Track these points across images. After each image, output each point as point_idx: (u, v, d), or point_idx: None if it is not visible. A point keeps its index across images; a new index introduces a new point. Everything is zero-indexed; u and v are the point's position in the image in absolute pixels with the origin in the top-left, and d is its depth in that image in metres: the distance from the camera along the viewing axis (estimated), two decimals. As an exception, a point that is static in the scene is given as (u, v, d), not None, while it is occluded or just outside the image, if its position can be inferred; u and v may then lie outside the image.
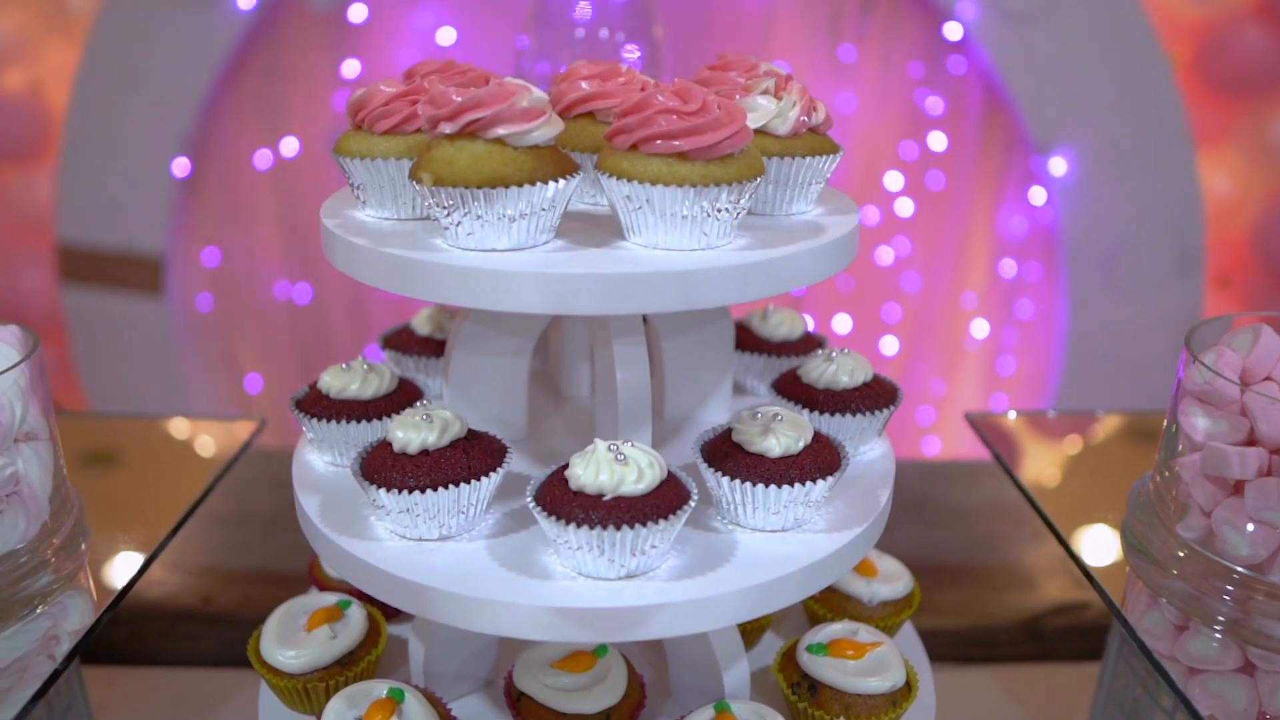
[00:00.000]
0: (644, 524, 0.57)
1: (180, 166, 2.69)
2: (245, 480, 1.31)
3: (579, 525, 0.57)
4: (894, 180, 2.63)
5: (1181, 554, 0.74)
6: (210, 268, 2.66)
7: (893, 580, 0.82)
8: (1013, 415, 1.03)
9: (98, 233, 2.65)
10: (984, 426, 0.97)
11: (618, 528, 0.57)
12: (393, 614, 0.83)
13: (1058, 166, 2.56)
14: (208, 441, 0.93)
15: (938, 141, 2.60)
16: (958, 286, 2.71)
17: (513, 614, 0.58)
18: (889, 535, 1.12)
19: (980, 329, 2.68)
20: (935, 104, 2.60)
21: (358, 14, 2.65)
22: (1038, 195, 2.60)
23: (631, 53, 1.06)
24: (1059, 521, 0.87)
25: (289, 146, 2.73)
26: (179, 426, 1.07)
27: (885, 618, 0.80)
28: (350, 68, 2.65)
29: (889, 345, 2.74)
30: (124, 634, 1.06)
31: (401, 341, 0.83)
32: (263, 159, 2.74)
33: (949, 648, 1.08)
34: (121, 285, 2.72)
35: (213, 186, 2.78)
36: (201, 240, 2.66)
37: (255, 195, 2.78)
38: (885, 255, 2.71)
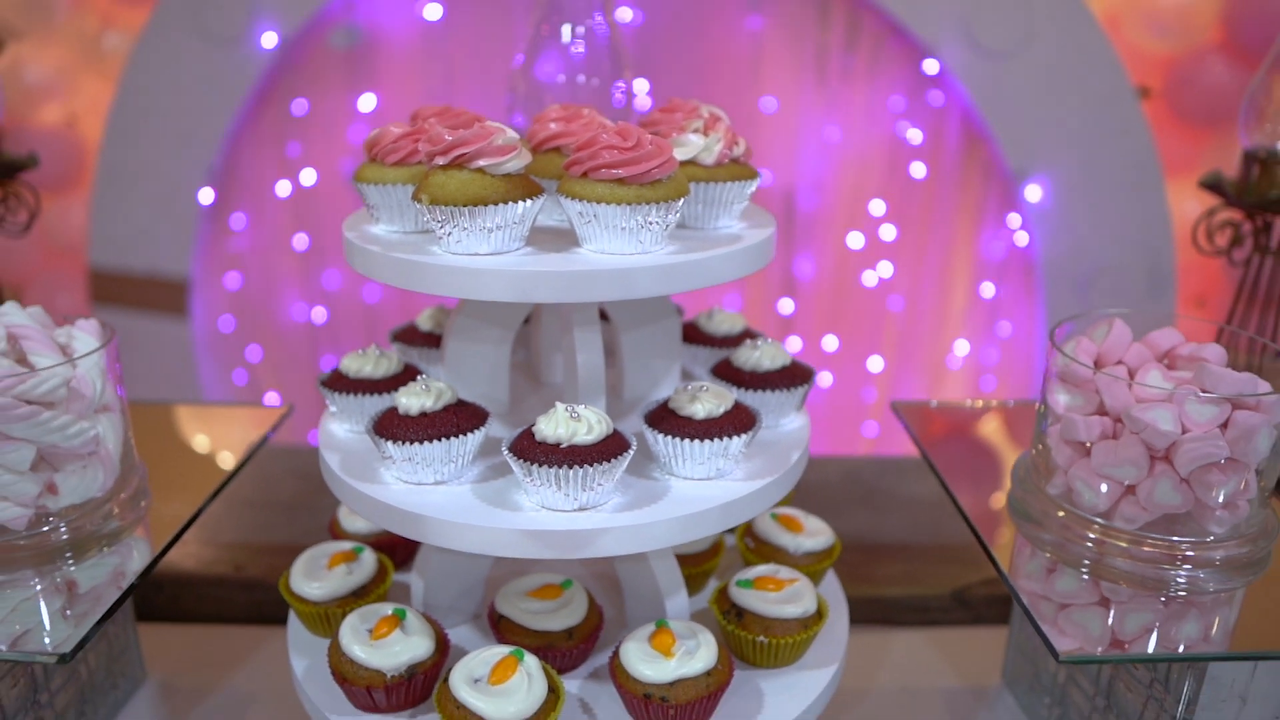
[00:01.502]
0: (591, 465, 0.75)
1: (205, 195, 2.89)
2: (270, 471, 1.50)
3: (541, 465, 0.76)
4: (877, 207, 2.81)
5: (1050, 510, 0.91)
6: (232, 291, 2.86)
7: (816, 535, 0.99)
8: (934, 404, 1.21)
9: (127, 257, 2.84)
10: (909, 414, 1.14)
11: (570, 467, 0.75)
12: (399, 564, 1.01)
13: (1033, 193, 2.73)
14: (246, 423, 1.12)
15: (919, 170, 2.78)
16: (940, 308, 2.88)
17: (491, 536, 0.76)
18: (840, 517, 1.30)
19: (962, 348, 2.85)
20: (916, 135, 2.79)
21: (373, 53, 2.86)
22: (1015, 221, 2.78)
23: (619, 94, 1.25)
24: (965, 496, 1.03)
25: (308, 177, 2.94)
26: (220, 412, 1.27)
27: (810, 565, 0.97)
28: (366, 102, 2.86)
29: (875, 363, 2.91)
30: (167, 596, 1.24)
31: (407, 336, 1.02)
32: (282, 188, 2.95)
33: (888, 612, 1.26)
34: (148, 307, 2.90)
35: (235, 214, 2.98)
36: (224, 265, 2.85)
37: (276, 223, 2.98)
38: (870, 279, 2.88)
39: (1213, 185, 1.38)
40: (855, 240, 2.85)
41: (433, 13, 2.79)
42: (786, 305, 2.92)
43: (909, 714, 1.10)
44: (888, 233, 2.83)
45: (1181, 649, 0.80)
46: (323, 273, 3.02)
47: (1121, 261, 2.64)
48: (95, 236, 2.73)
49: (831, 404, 2.96)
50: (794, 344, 2.93)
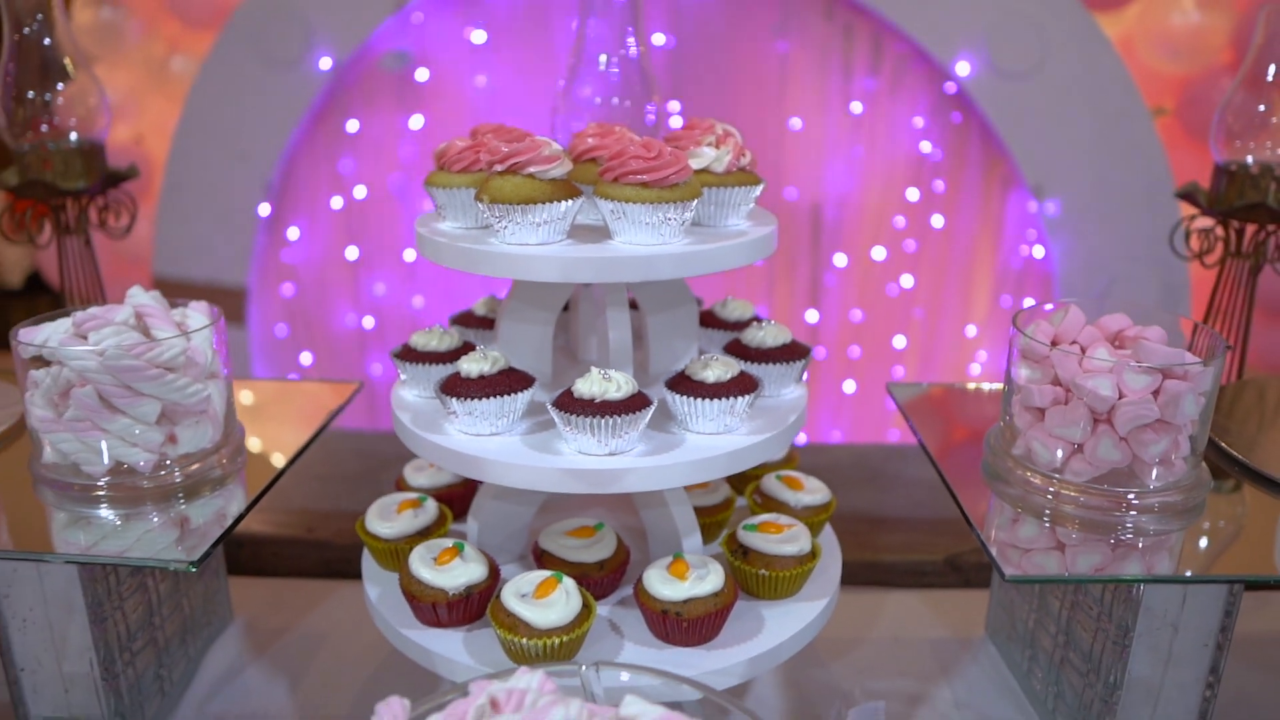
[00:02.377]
0: (619, 416, 0.94)
1: (263, 209, 3.13)
2: (333, 449, 1.70)
3: (578, 416, 0.94)
4: (900, 221, 2.98)
5: (1014, 469, 1.08)
6: (287, 299, 3.08)
7: (814, 493, 1.17)
8: (925, 385, 1.38)
9: (189, 268, 3.06)
10: (902, 394, 1.32)
11: (603, 417, 0.93)
12: (456, 515, 1.20)
13: (1050, 208, 2.88)
14: (322, 397, 1.32)
15: (939, 186, 2.95)
16: (960, 319, 3.04)
17: (537, 474, 0.95)
18: (847, 494, 1.47)
19: (981, 357, 3.00)
20: (936, 153, 2.96)
21: (422, 75, 3.09)
22: (1032, 234, 2.94)
23: (650, 114, 1.45)
24: (948, 465, 1.20)
25: (359, 191, 3.17)
26: (299, 387, 1.47)
27: (809, 518, 1.15)
28: (415, 121, 3.09)
29: (897, 372, 3.07)
30: (248, 553, 1.44)
31: (464, 319, 1.21)
32: (335, 202, 3.17)
33: (885, 575, 1.42)
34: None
35: (291, 227, 3.21)
36: (280, 275, 3.07)
37: (328, 235, 3.21)
38: (893, 290, 3.04)
39: (1188, 195, 1.54)
40: (878, 253, 3.02)
41: (478, 38, 3.02)
42: (812, 315, 3.09)
43: (899, 660, 1.26)
44: (910, 246, 3.00)
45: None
46: (371, 282, 3.25)
47: (1136, 274, 2.78)
48: (160, 248, 2.95)
49: (855, 411, 3.12)
50: (819, 353, 3.10)
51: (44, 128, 1.52)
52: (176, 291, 3.01)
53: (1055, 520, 1.03)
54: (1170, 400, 0.98)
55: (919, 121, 2.95)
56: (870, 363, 3.08)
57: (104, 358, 1.00)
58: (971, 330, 2.99)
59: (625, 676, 0.80)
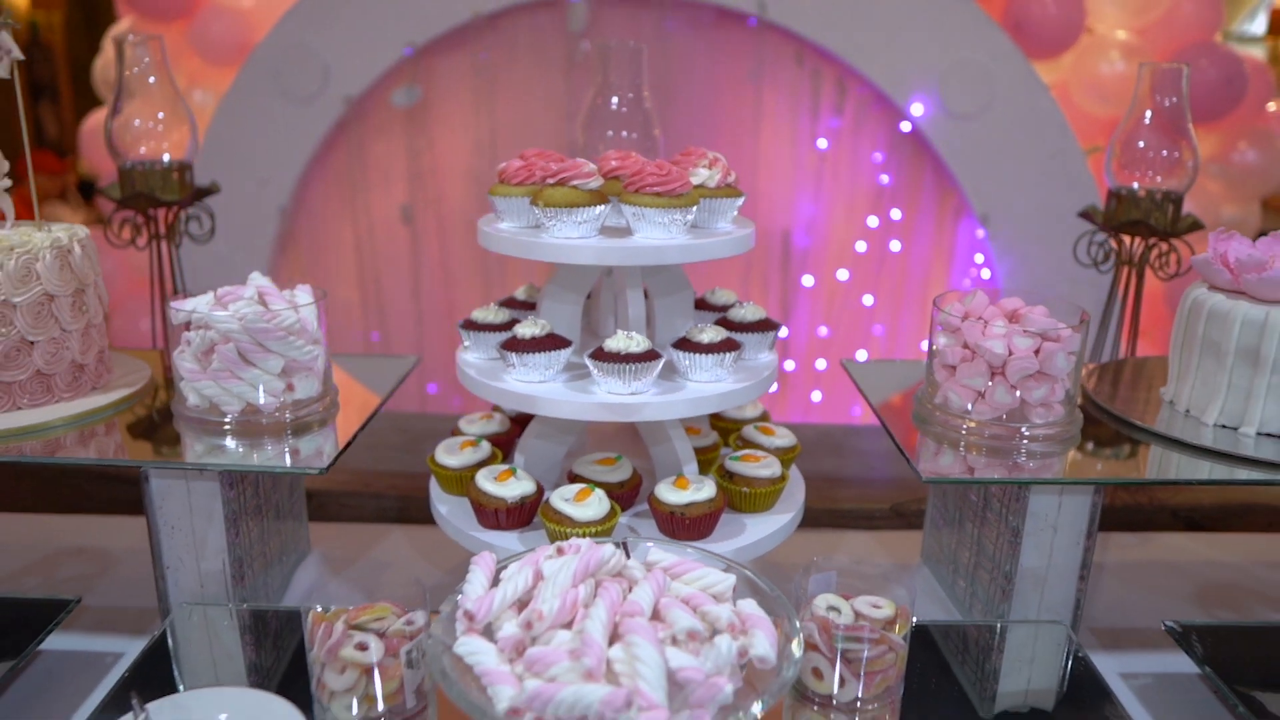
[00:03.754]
0: (638, 364, 1.31)
1: (279, 231, 3.48)
2: (379, 427, 2.05)
3: (607, 363, 1.31)
4: (862, 246, 3.39)
5: (935, 414, 1.46)
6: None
7: (783, 438, 1.54)
8: (872, 362, 1.76)
9: (209, 285, 3.42)
10: (854, 369, 1.69)
11: (626, 364, 1.30)
12: (505, 456, 1.55)
13: (996, 234, 3.30)
14: (384, 369, 1.67)
15: (896, 214, 3.37)
16: (917, 334, 3.44)
17: (578, 408, 1.31)
18: (812, 461, 1.82)
19: (936, 368, 3.38)
20: (894, 184, 3.38)
21: (428, 108, 3.47)
22: (980, 258, 3.35)
23: (649, 145, 1.83)
24: (893, 422, 1.57)
25: (368, 215, 3.53)
26: (365, 361, 1.82)
27: (779, 455, 1.51)
28: (420, 151, 3.46)
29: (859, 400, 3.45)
30: (315, 504, 1.78)
31: (509, 303, 1.57)
32: (346, 225, 3.53)
33: (841, 520, 1.79)
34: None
35: (304, 247, 3.57)
36: (295, 290, 3.41)
37: (339, 255, 3.57)
38: (855, 307, 3.45)
39: (1087, 214, 1.95)
40: (842, 274, 3.43)
41: (479, 77, 3.41)
42: (783, 331, 3.48)
43: (848, 580, 1.62)
44: (870, 268, 3.41)
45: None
46: (381, 300, 3.60)
47: (1073, 291, 3.20)
48: (183, 266, 3.29)
49: (821, 417, 3.51)
50: (789, 365, 3.49)
51: (142, 149, 1.88)
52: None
53: (967, 449, 1.41)
54: (1047, 357, 1.37)
55: (878, 156, 3.37)
56: (835, 374, 3.46)
57: (244, 321, 1.36)
58: (925, 344, 3.41)
59: (649, 544, 1.16)
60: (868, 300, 3.38)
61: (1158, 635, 1.47)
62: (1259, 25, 7.89)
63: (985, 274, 3.32)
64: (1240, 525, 1.86)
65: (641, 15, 3.26)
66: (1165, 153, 1.85)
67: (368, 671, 1.14)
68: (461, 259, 3.47)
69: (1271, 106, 3.40)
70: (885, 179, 3.32)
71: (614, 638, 1.00)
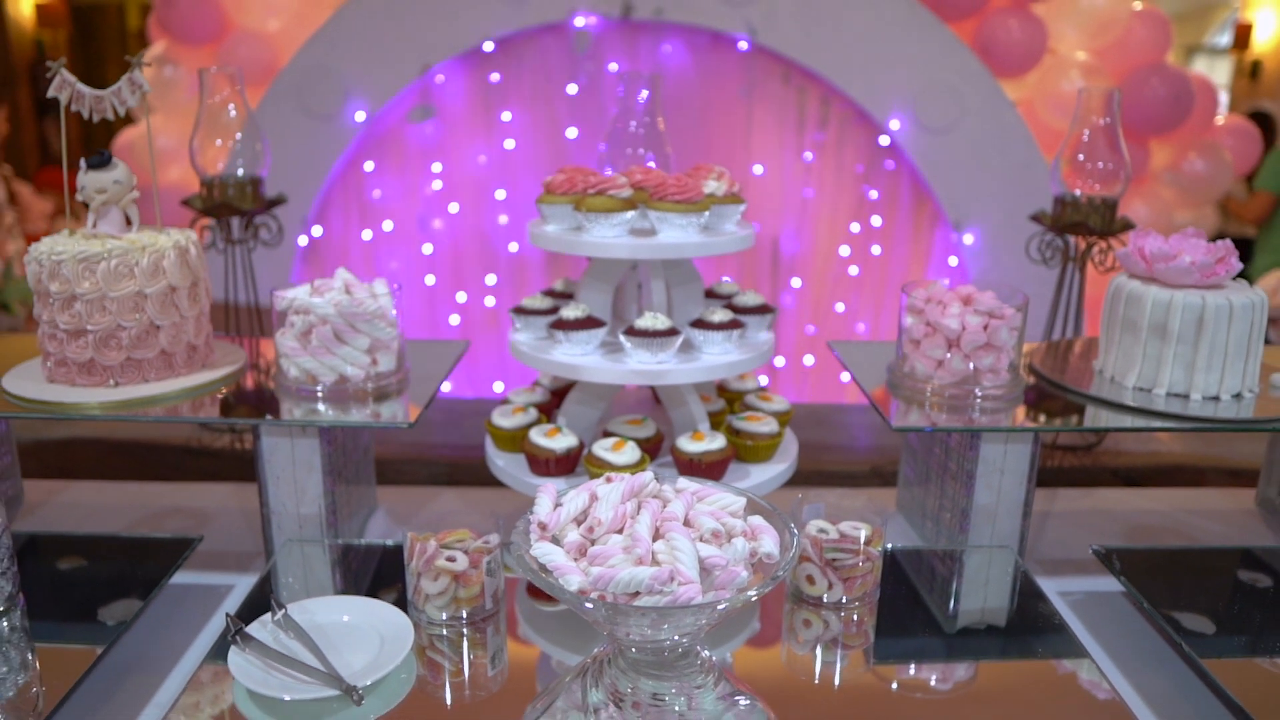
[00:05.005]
0: (663, 338, 1.66)
1: (303, 241, 3.82)
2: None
3: (638, 338, 1.66)
4: (845, 251, 3.76)
5: (904, 381, 1.81)
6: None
7: (778, 404, 1.90)
8: (854, 343, 2.11)
9: (237, 292, 3.73)
10: (840, 348, 2.05)
11: (654, 338, 1.66)
12: (548, 421, 1.90)
13: (969, 239, 3.68)
14: (439, 352, 2.02)
15: (877, 221, 3.74)
16: (896, 331, 3.79)
17: (614, 374, 1.66)
18: (803, 432, 2.17)
19: (915, 362, 3.73)
20: (874, 194, 3.75)
21: (442, 125, 3.82)
22: (954, 260, 3.73)
23: (654, 160, 2.19)
24: (863, 379, 1.93)
25: (386, 225, 3.88)
26: (418, 345, 2.16)
27: (777, 416, 1.87)
28: (435, 166, 3.82)
29: (845, 376, 3.81)
30: (378, 470, 2.13)
31: (549, 293, 1.93)
32: (365, 235, 3.88)
33: (827, 480, 2.15)
34: (252, 334, 3.80)
35: (325, 255, 3.91)
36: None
37: (358, 263, 3.91)
38: (840, 308, 3.81)
39: (1037, 218, 2.32)
40: (827, 277, 3.79)
41: (490, 96, 3.77)
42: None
43: (833, 510, 1.98)
44: (853, 271, 3.78)
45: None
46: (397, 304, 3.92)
47: (1038, 292, 3.57)
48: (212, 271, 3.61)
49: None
50: (779, 361, 3.85)
51: (220, 165, 2.23)
52: (224, 313, 3.67)
53: (930, 407, 1.76)
54: (993, 331, 1.73)
55: (860, 168, 3.75)
56: (822, 369, 3.82)
57: (338, 307, 1.71)
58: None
59: (679, 477, 1.51)
60: (851, 300, 3.75)
61: (1091, 563, 1.83)
62: (1227, 39, 8.36)
63: (960, 275, 3.68)
64: (1169, 482, 2.22)
65: (641, 39, 3.63)
66: (1101, 164, 2.22)
67: (456, 578, 1.48)
68: (473, 267, 3.81)
69: (1220, 119, 3.80)
70: (866, 189, 3.69)
71: (656, 537, 1.35)
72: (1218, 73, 8.43)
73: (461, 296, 3.81)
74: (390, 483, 2.13)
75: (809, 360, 3.80)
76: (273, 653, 1.38)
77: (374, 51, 3.64)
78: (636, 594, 1.27)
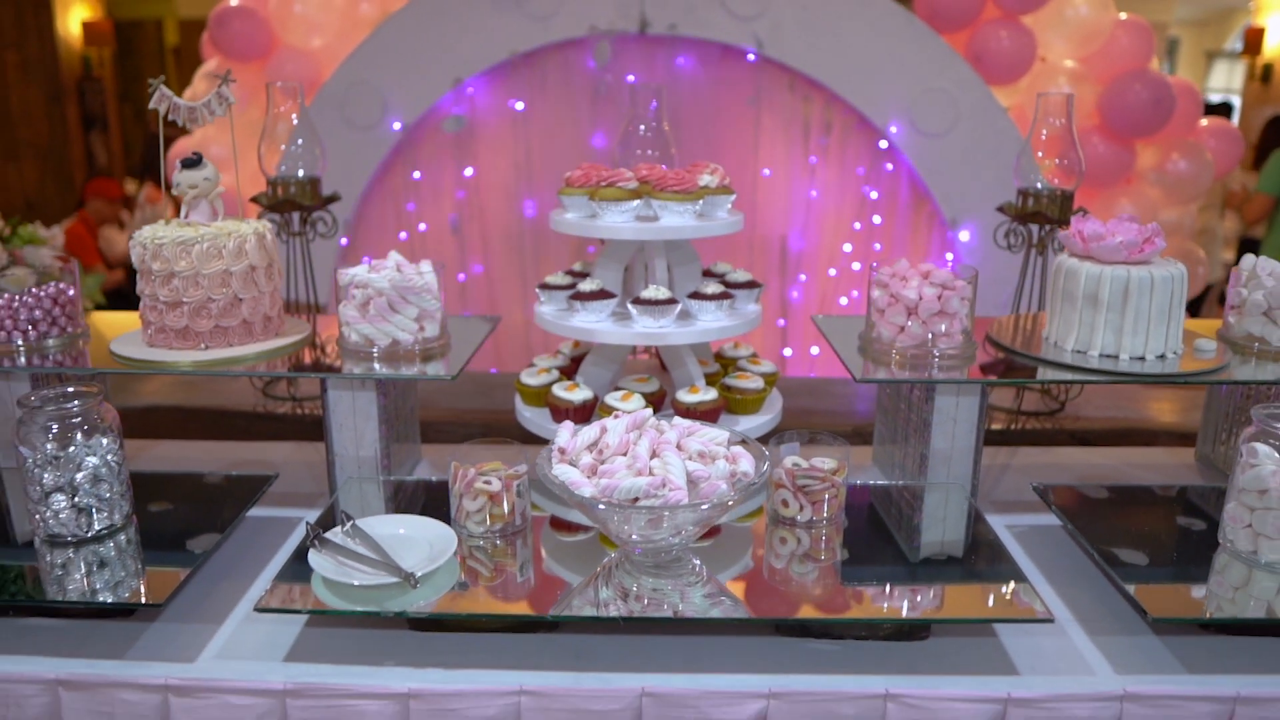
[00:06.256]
0: (665, 306, 2.03)
1: (344, 241, 4.22)
2: (460, 382, 2.77)
3: (645, 306, 2.03)
4: (848, 247, 4.12)
5: (872, 345, 2.17)
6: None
7: (766, 367, 2.26)
8: (835, 317, 2.47)
9: (296, 279, 4.11)
10: (826, 325, 2.41)
11: (656, 306, 2.03)
12: (568, 376, 2.27)
13: (964, 236, 4.02)
14: (475, 325, 2.39)
15: (877, 220, 4.10)
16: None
17: (624, 336, 2.03)
18: (791, 399, 2.54)
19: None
20: (874, 194, 4.11)
21: (473, 134, 4.22)
22: (950, 256, 4.07)
23: (667, 160, 2.56)
24: (838, 346, 2.28)
25: (420, 227, 4.28)
26: (457, 321, 2.54)
27: (764, 377, 2.23)
28: (467, 171, 4.21)
29: (815, 350, 4.16)
30: (420, 428, 2.51)
31: (569, 273, 2.30)
32: (402, 237, 4.28)
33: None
34: (310, 314, 4.18)
35: (365, 254, 4.31)
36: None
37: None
38: (844, 301, 4.16)
39: (1003, 209, 2.67)
40: (832, 272, 4.15)
41: (518, 106, 4.17)
42: (782, 321, 4.20)
43: (806, 449, 2.33)
44: (856, 266, 4.13)
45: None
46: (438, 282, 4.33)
47: (1028, 286, 3.90)
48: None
49: (816, 395, 4.20)
50: (786, 352, 4.21)
51: (282, 167, 2.62)
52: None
53: (894, 366, 2.12)
54: (946, 300, 2.08)
55: (861, 170, 4.11)
56: (827, 358, 4.17)
57: (392, 282, 2.09)
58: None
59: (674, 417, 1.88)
60: (854, 293, 4.11)
61: (1038, 503, 2.17)
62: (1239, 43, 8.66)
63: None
64: (1122, 443, 2.56)
65: (657, 52, 4.01)
66: (1057, 161, 2.57)
67: (491, 498, 1.85)
68: (502, 263, 4.20)
69: (1204, 122, 4.13)
70: (867, 190, 4.05)
71: (652, 458, 1.72)
72: (1236, 78, 8.71)
73: (492, 290, 4.20)
74: (429, 441, 2.50)
75: (815, 350, 4.16)
76: (344, 551, 1.76)
77: (409, 66, 4.04)
78: (636, 500, 1.64)
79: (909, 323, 2.12)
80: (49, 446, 1.82)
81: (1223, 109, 6.87)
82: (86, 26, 7.96)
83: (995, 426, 2.65)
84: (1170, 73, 10.16)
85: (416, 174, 4.18)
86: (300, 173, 2.64)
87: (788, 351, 4.20)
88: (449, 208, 4.18)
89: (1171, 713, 1.60)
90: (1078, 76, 3.95)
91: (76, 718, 1.64)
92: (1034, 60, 3.97)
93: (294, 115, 2.61)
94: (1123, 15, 3.98)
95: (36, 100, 7.51)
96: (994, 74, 3.94)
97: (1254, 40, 7.97)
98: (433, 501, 2.05)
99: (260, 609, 1.66)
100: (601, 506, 1.64)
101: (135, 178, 6.59)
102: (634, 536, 1.70)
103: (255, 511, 2.12)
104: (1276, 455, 1.75)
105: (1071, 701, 1.59)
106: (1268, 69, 7.94)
